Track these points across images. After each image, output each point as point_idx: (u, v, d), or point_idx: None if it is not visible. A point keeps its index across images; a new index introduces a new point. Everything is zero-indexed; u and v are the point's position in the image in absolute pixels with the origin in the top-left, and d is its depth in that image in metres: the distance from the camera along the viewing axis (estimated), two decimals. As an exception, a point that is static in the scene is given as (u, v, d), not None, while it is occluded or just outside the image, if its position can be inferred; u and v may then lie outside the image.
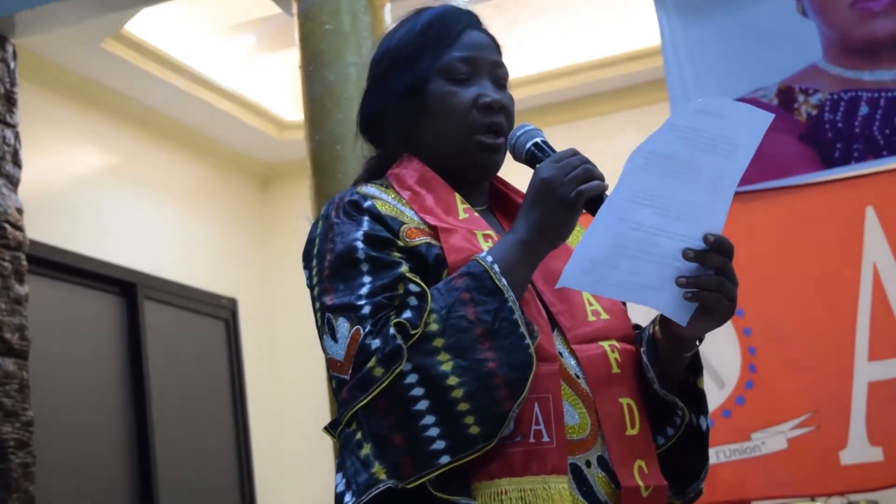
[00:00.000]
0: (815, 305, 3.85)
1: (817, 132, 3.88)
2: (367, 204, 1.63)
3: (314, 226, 1.68)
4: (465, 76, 1.73)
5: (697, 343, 1.66)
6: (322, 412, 4.29)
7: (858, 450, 3.70)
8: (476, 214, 1.69)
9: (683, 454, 1.70)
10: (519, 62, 6.48)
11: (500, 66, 1.77)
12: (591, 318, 1.66)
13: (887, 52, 3.89)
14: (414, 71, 1.73)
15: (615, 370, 1.62)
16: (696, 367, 1.71)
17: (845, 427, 3.72)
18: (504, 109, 1.73)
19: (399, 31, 1.79)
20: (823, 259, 3.87)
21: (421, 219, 1.64)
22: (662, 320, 1.66)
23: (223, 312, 6.75)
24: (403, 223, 1.62)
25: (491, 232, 1.66)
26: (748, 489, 3.83)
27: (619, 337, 1.67)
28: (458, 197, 1.70)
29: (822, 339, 3.81)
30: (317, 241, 1.66)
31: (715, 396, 3.79)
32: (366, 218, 1.62)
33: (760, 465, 3.78)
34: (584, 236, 1.51)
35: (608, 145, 6.99)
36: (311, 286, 1.65)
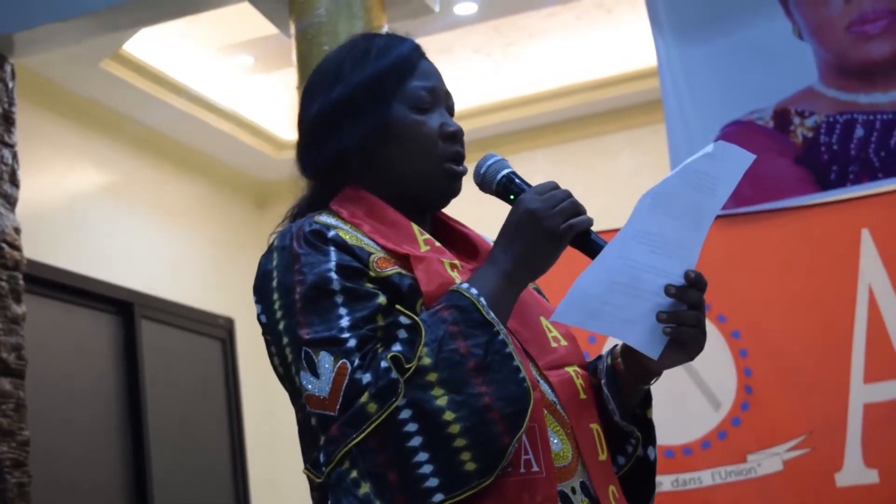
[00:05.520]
0: (811, 327, 3.84)
1: (813, 154, 3.89)
2: (331, 234, 1.58)
3: (266, 259, 1.61)
4: (428, 105, 1.70)
5: (657, 377, 1.67)
6: (318, 432, 4.29)
7: (854, 472, 3.69)
8: (437, 244, 1.66)
9: (633, 483, 1.72)
10: (516, 83, 6.50)
11: (450, 95, 1.75)
12: (553, 344, 1.66)
13: (882, 75, 3.90)
14: (376, 100, 1.68)
15: (582, 396, 1.63)
16: (647, 398, 1.73)
17: (841, 449, 3.71)
18: (462, 138, 1.72)
19: (348, 60, 1.72)
20: (819, 281, 3.86)
21: (384, 248, 1.60)
22: (625, 352, 1.67)
23: (220, 332, 6.75)
24: (371, 253, 1.58)
25: (456, 262, 1.63)
26: (744, 511, 3.82)
27: (578, 363, 1.68)
28: (415, 227, 1.66)
29: (817, 361, 3.80)
30: (275, 273, 1.58)
31: (711, 418, 3.78)
32: (332, 248, 1.56)
33: (756, 487, 3.77)
34: (583, 273, 1.52)
35: (604, 165, 7.00)
36: (271, 321, 1.57)
